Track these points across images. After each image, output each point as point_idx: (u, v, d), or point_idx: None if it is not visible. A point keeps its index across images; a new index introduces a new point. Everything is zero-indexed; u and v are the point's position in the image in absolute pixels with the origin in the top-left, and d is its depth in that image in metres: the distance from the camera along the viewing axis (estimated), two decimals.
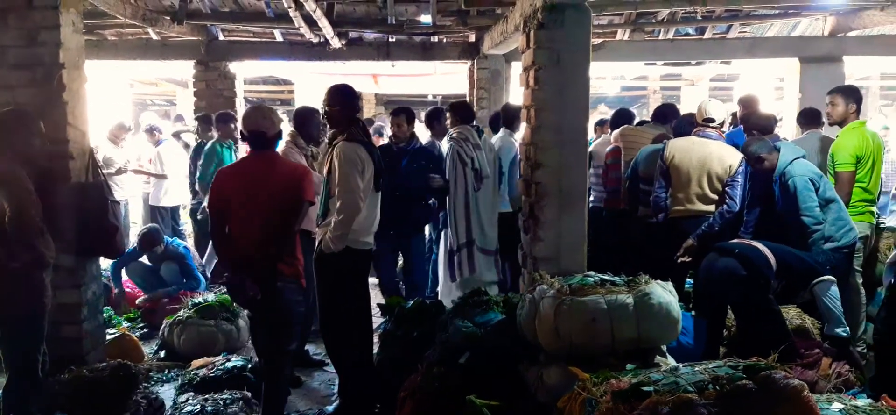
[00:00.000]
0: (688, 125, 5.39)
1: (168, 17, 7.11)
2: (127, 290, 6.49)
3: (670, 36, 8.46)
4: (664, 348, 3.66)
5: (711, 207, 4.90)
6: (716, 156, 4.92)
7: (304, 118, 5.08)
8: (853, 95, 5.25)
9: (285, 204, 3.72)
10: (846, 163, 5.04)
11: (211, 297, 5.83)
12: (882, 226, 5.60)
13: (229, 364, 4.66)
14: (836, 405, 2.97)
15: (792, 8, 7.52)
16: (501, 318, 4.07)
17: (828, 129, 5.96)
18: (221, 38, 8.16)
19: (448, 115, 6.03)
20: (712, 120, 5.10)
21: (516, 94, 7.92)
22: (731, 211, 4.83)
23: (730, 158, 4.91)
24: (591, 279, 3.69)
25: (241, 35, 8.45)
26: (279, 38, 8.26)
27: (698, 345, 4.09)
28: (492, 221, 5.77)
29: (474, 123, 5.91)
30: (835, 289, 4.29)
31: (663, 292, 3.58)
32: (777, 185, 4.64)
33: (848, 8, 7.33)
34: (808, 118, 5.96)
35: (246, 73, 9.05)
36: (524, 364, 3.71)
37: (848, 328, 4.32)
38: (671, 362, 3.44)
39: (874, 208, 5.26)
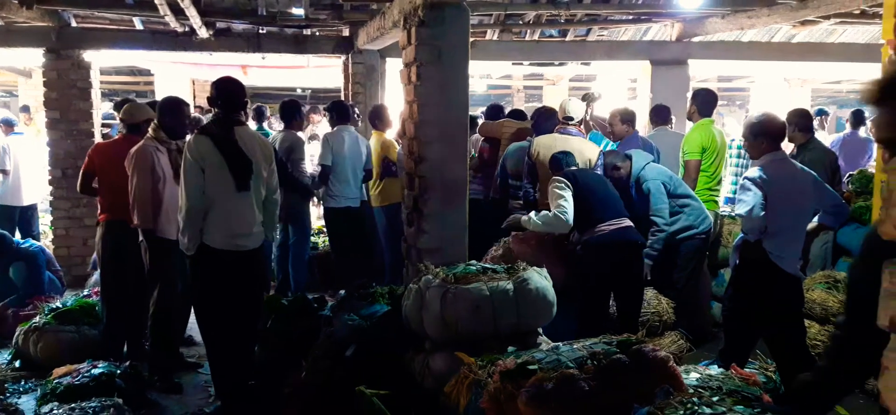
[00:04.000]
0: (544, 120, 5.67)
1: (15, 1, 6.54)
2: None
3: (536, 37, 8.88)
4: (540, 330, 3.90)
5: None
6: (576, 150, 5.24)
7: (165, 110, 4.64)
8: (696, 98, 5.94)
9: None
10: (693, 153, 5.66)
11: (70, 301, 5.45)
12: (724, 214, 6.23)
13: (96, 371, 4.36)
14: (693, 375, 3.29)
15: (643, 14, 8.15)
16: (387, 309, 4.14)
17: (677, 125, 6.56)
18: (74, 24, 7.60)
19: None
20: (572, 118, 5.46)
21: (392, 89, 8.01)
22: None
23: (589, 152, 5.27)
24: (474, 268, 3.85)
25: (97, 22, 7.91)
26: (139, 26, 7.82)
27: (571, 325, 4.34)
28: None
29: None
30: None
31: (540, 278, 3.81)
32: (633, 189, 5.04)
33: (693, 15, 8.02)
34: (659, 116, 6.53)
35: (102, 63, 8.46)
36: (410, 353, 3.81)
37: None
38: (548, 342, 3.67)
39: (718, 198, 5.86)
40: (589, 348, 2.87)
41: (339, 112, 6.45)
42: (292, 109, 6.38)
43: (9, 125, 7.99)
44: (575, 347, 2.95)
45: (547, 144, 5.26)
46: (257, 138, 4.16)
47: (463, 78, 4.15)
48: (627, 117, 6.12)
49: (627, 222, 4.47)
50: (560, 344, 3.13)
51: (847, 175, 6.38)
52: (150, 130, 4.60)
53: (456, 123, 4.15)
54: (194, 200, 3.81)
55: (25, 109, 11.23)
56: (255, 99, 15.81)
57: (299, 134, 6.53)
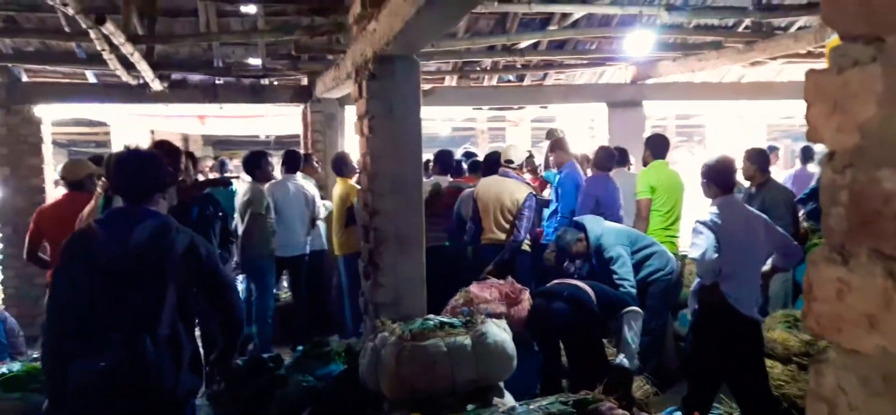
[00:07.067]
0: (491, 163, 6.07)
1: None
2: None
3: (494, 83, 8.95)
4: (501, 384, 3.82)
5: None
6: (508, 191, 5.60)
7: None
8: (649, 144, 6.12)
9: None
10: (643, 192, 5.79)
11: (17, 366, 5.22)
12: (684, 255, 6.25)
13: None
14: None
15: (598, 58, 8.27)
16: (343, 369, 4.04)
17: (635, 167, 6.65)
18: (25, 79, 7.45)
19: None
20: (512, 162, 5.87)
21: (351, 137, 7.97)
22: (517, 241, 5.45)
23: (518, 194, 5.58)
24: (432, 323, 3.78)
25: (49, 76, 7.77)
26: (93, 79, 7.70)
27: (533, 379, 4.29)
28: None
29: None
30: (640, 323, 4.54)
31: (498, 331, 3.74)
32: (595, 257, 5.05)
33: (645, 59, 8.17)
34: (619, 156, 6.58)
35: (54, 116, 8.29)
36: (368, 414, 3.71)
37: (637, 363, 4.61)
38: (509, 399, 3.59)
39: (676, 239, 5.89)
40: (545, 409, 2.81)
41: (288, 162, 6.49)
42: (254, 161, 6.27)
43: None
44: (531, 407, 2.89)
45: (486, 184, 5.77)
46: None
47: (415, 129, 4.12)
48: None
49: (577, 283, 4.52)
50: (517, 405, 3.07)
51: (802, 212, 6.46)
52: (99, 188, 4.43)
53: (408, 174, 4.11)
54: None
55: None
56: (218, 148, 15.68)
57: (263, 186, 6.25)
